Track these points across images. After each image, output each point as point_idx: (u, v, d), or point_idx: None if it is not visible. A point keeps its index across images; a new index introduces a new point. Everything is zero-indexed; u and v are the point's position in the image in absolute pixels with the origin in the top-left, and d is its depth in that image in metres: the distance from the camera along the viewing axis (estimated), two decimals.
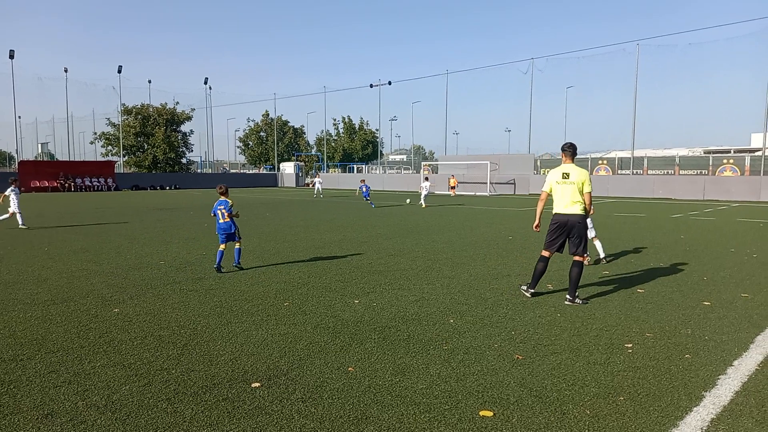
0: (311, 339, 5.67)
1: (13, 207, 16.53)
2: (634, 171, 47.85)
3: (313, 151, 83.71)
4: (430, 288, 8.13)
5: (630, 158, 46.19)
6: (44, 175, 47.32)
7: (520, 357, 5.12)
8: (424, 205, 26.58)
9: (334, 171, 77.95)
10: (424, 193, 27.44)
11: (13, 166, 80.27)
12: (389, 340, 5.62)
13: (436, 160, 60.80)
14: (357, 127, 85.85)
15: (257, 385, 4.44)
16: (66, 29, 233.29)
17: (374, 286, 8.22)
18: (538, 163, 56.90)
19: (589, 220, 9.21)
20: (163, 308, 6.91)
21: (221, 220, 9.45)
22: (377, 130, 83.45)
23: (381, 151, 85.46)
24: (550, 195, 7.42)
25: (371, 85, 63.08)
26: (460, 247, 12.54)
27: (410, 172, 78.68)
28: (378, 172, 74.10)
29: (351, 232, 15.45)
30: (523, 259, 10.72)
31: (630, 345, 5.49)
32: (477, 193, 33.09)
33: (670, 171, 52.81)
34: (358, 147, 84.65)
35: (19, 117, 57.14)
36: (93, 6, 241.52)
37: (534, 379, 4.58)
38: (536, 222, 7.67)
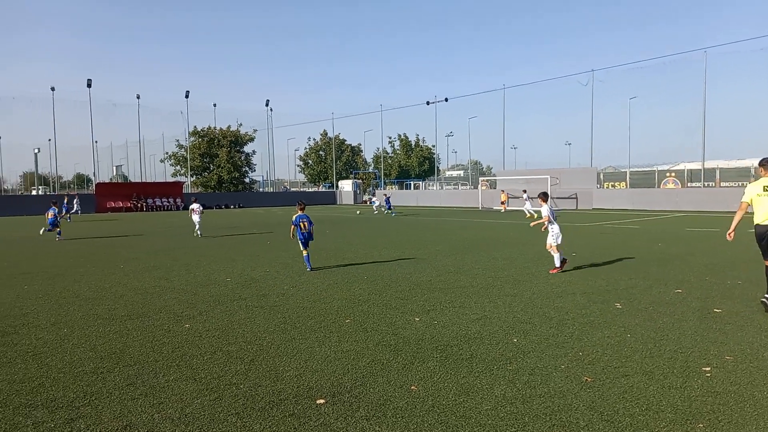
0: (373, 356, 5.70)
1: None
2: (705, 183, 45.57)
3: (371, 169, 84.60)
4: (492, 306, 8.01)
5: (700, 170, 44.06)
6: (118, 196, 50.06)
7: (589, 379, 4.95)
8: (527, 215, 29.20)
9: (391, 188, 78.47)
10: (528, 206, 30.09)
11: (91, 188, 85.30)
12: (452, 359, 5.57)
13: (494, 175, 60.06)
14: (413, 143, 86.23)
15: (322, 401, 4.50)
16: (139, 58, 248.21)
17: (434, 304, 8.18)
18: (601, 177, 55.19)
19: None
20: (231, 324, 7.14)
21: (303, 231, 11.60)
22: (433, 146, 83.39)
23: (437, 167, 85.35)
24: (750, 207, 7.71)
25: (428, 103, 63.36)
26: (521, 263, 12.30)
27: (468, 187, 78.03)
28: (435, 188, 73.96)
29: (409, 249, 15.47)
30: (588, 275, 10.38)
31: (708, 368, 5.20)
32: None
33: (744, 182, 49.95)
34: (414, 163, 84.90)
35: (96, 141, 60.96)
36: (162, 35, 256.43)
37: (604, 403, 4.42)
38: (731, 230, 8.04)
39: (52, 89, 56.60)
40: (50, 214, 20.81)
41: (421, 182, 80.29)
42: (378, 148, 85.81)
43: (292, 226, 11.80)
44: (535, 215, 29.94)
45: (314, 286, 9.82)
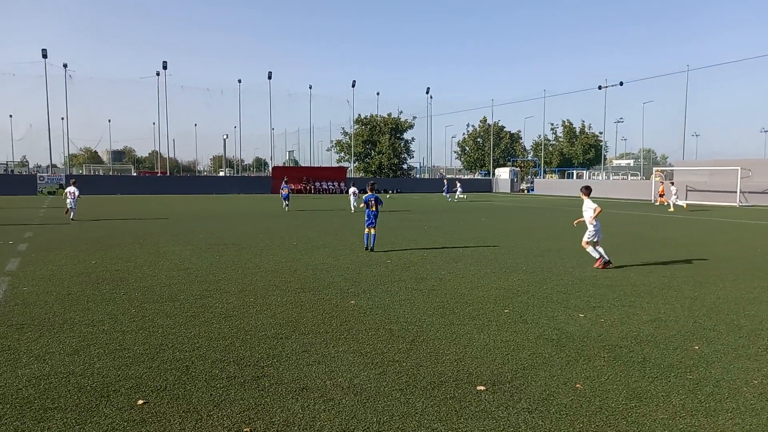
0: (534, 349, 5.56)
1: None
2: None
3: (530, 156, 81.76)
4: (668, 308, 7.34)
5: None
6: (291, 178, 54.10)
7: None
8: (671, 209, 29.57)
9: (551, 177, 75.06)
10: (673, 198, 30.17)
11: (267, 171, 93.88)
12: (621, 361, 5.23)
13: (670, 165, 54.54)
14: (578, 130, 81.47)
15: (482, 388, 4.52)
16: (311, 50, 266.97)
17: (601, 301, 7.72)
18: None
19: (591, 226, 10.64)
20: (392, 304, 7.44)
21: (372, 209, 12.40)
22: (600, 133, 77.98)
23: (604, 156, 79.74)
24: None
25: (600, 87, 59.24)
26: (703, 264, 11.07)
27: (638, 178, 71.84)
28: (600, 177, 69.26)
29: (570, 242, 14.73)
30: None
31: None
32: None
33: None
34: (578, 151, 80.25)
35: (273, 129, 67.04)
36: (331, 27, 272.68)
37: None
38: None
39: (239, 81, 63.13)
40: (285, 190, 27.41)
41: (584, 171, 75.71)
42: (539, 135, 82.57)
43: (363, 204, 12.76)
44: (672, 207, 29.79)
45: (471, 273, 9.82)
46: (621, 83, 58.76)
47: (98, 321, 6.42)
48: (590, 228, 10.66)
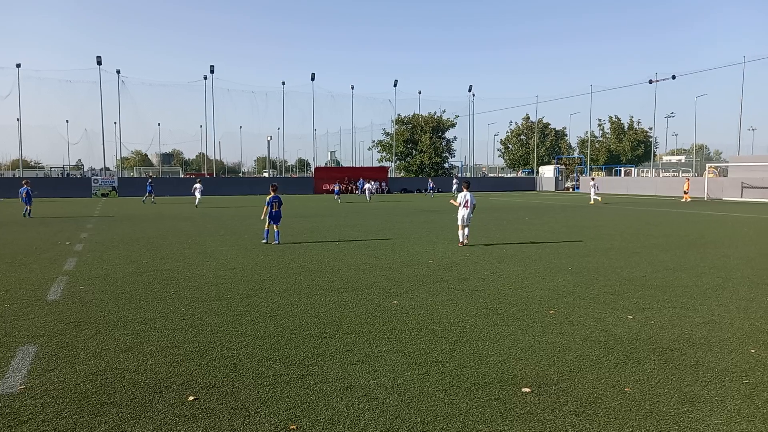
0: (581, 351, 5.45)
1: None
2: None
3: (575, 154, 79.96)
4: (722, 310, 7.06)
5: None
6: (332, 179, 55.00)
7: None
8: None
9: (598, 174, 73.19)
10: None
11: (309, 172, 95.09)
12: (672, 364, 5.07)
13: (725, 161, 52.32)
14: (626, 126, 79.20)
15: (527, 390, 4.46)
16: (352, 52, 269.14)
17: (650, 302, 7.49)
18: None
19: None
20: (434, 304, 7.43)
21: (274, 210, 13.82)
22: (650, 128, 75.59)
23: (654, 152, 77.22)
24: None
25: (650, 81, 57.41)
26: (762, 264, 10.59)
27: (690, 174, 69.26)
28: (649, 175, 67.10)
29: (619, 241, 14.35)
30: None
31: None
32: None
33: None
34: (626, 148, 78.07)
35: (315, 129, 67.75)
36: (373, 30, 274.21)
37: None
38: None
39: (283, 83, 64.21)
40: (336, 187, 37.89)
41: (633, 168, 73.54)
42: (585, 132, 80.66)
43: (266, 206, 13.90)
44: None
45: (514, 273, 9.70)
46: (673, 77, 56.77)
47: (150, 319, 6.65)
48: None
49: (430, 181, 52.38)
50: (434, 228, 18.10)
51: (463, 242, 13.49)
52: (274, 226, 14.01)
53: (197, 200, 30.36)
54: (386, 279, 9.22)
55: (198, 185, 31.03)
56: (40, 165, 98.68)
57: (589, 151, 73.99)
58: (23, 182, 24.58)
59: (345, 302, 7.54)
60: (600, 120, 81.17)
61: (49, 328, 6.26)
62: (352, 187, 54.60)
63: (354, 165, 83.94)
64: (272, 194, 14.04)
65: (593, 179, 40.67)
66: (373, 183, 45.05)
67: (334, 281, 9.03)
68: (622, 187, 51.12)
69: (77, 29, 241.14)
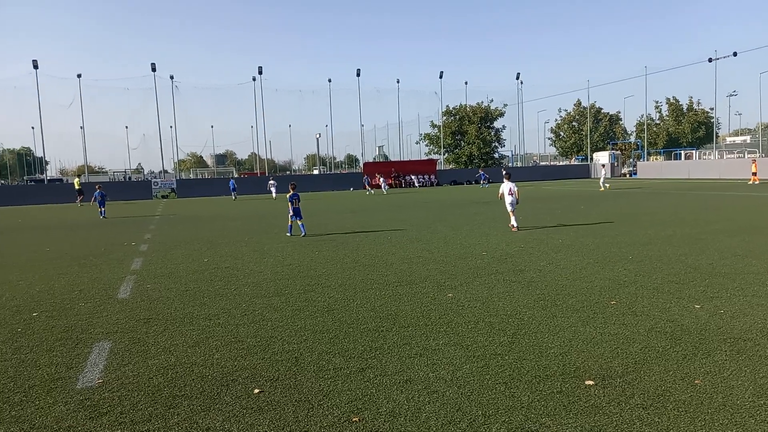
0: (646, 342, 5.28)
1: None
2: None
3: (632, 138, 77.14)
4: None
5: None
6: (381, 173, 55.16)
7: None
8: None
9: (656, 158, 70.35)
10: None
11: (358, 167, 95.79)
12: (745, 355, 4.84)
13: None
14: (685, 107, 75.73)
15: (591, 383, 4.37)
16: (398, 46, 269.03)
17: (719, 291, 7.17)
18: None
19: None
20: (490, 296, 7.36)
21: (294, 206, 14.67)
22: (711, 109, 72.00)
23: (716, 133, 73.53)
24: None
25: (710, 59, 54.67)
26: None
27: (757, 155, 65.55)
28: (712, 157, 63.97)
29: (680, 228, 13.78)
30: None
31: None
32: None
33: None
34: (686, 130, 74.68)
35: (362, 125, 68.12)
36: (419, 22, 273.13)
37: None
38: None
39: (329, 81, 64.81)
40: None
41: (694, 151, 70.29)
42: (641, 115, 77.63)
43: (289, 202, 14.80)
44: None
45: (572, 263, 9.48)
46: (735, 54, 53.84)
47: (214, 315, 6.90)
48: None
49: (481, 171, 52.03)
50: (486, 219, 17.89)
51: (514, 226, 14.30)
52: (297, 221, 14.84)
53: (274, 195, 34.73)
54: (440, 272, 9.20)
55: (272, 181, 35.19)
56: (103, 170, 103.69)
57: (646, 135, 71.21)
58: (96, 186, 27.52)
59: (400, 296, 7.58)
60: (657, 102, 77.97)
61: (121, 324, 6.60)
62: (401, 181, 54.65)
63: (402, 159, 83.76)
64: (291, 192, 14.85)
65: (603, 165, 42.30)
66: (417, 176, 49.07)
67: (388, 275, 9.08)
68: (683, 172, 48.98)
69: (131, 36, 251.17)
